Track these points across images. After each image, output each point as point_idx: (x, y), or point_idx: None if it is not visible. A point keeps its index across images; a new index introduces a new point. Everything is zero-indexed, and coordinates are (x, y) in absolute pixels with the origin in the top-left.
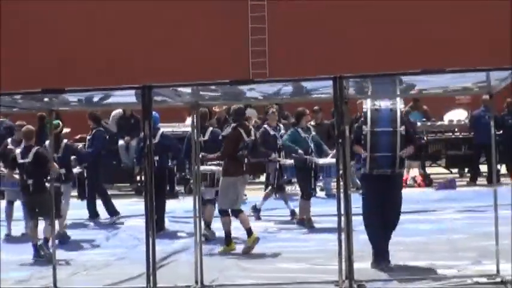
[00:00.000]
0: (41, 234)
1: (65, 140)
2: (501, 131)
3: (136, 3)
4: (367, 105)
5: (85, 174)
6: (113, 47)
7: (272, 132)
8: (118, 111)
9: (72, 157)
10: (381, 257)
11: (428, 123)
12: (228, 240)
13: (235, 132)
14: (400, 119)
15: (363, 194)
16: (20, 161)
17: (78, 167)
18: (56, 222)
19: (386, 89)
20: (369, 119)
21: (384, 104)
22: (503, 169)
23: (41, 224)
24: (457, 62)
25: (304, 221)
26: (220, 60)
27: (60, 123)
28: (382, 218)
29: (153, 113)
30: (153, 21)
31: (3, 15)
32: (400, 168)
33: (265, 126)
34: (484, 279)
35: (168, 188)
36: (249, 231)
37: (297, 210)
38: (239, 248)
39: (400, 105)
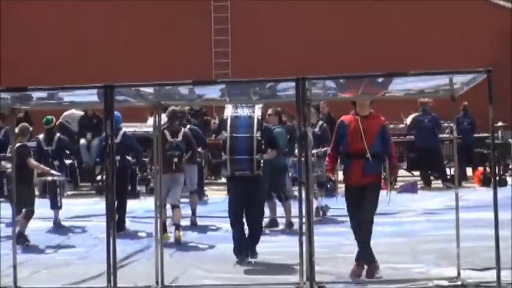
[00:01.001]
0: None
1: (58, 134)
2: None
3: (100, 3)
4: (228, 112)
5: (75, 165)
6: (77, 47)
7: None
8: (71, 111)
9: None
10: (239, 254)
11: (391, 126)
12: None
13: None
14: (257, 125)
15: (228, 194)
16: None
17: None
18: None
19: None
20: (228, 125)
21: (243, 111)
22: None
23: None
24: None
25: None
26: (182, 61)
27: (54, 118)
28: (246, 217)
29: (115, 112)
30: (116, 21)
31: None
32: (257, 170)
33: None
34: (445, 282)
35: (129, 187)
36: (177, 226)
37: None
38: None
39: (258, 112)
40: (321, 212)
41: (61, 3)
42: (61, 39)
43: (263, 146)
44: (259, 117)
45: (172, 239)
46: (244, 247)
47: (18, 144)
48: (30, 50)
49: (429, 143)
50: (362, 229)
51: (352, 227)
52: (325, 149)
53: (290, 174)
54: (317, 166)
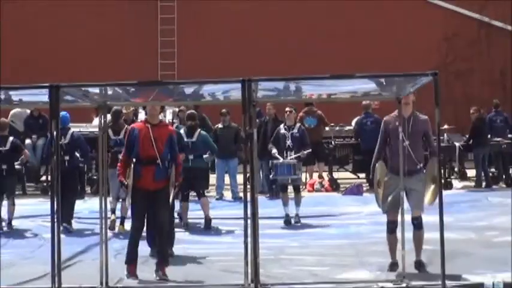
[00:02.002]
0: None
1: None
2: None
3: (49, 2)
4: (142, 116)
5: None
6: (24, 47)
7: (282, 131)
8: (16, 110)
9: None
10: (129, 261)
11: (337, 128)
12: (121, 221)
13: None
14: None
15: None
16: None
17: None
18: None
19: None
20: None
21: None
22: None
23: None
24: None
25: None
26: (128, 61)
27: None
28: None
29: (64, 113)
30: (63, 20)
31: None
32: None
33: (281, 125)
34: (390, 285)
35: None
36: (122, 220)
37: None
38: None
39: (168, 117)
40: (292, 220)
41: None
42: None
43: None
44: (170, 121)
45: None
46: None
47: None
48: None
49: (373, 145)
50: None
51: None
52: (307, 151)
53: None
54: (297, 169)
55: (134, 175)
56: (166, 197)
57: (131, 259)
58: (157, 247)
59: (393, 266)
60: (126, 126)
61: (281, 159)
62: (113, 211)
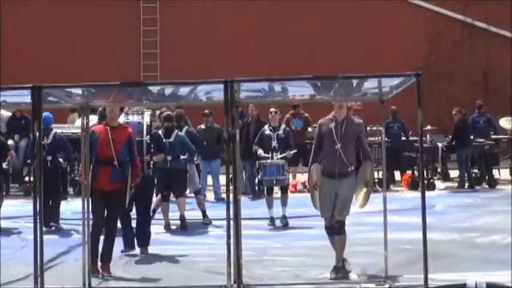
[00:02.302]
0: None
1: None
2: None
3: (28, 3)
4: (120, 119)
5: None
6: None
7: (267, 132)
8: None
9: None
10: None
11: (311, 130)
12: None
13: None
14: (146, 130)
15: None
16: None
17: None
18: None
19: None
20: None
21: (133, 118)
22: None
23: None
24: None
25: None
26: (111, 62)
27: None
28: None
29: (46, 113)
30: (43, 21)
31: None
32: (147, 169)
33: (266, 126)
34: (373, 285)
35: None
36: None
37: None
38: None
39: (146, 119)
40: (279, 221)
41: None
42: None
43: (152, 149)
44: (148, 123)
45: None
46: (133, 240)
47: None
48: None
49: None
50: None
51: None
52: (293, 152)
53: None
54: (285, 170)
55: (92, 176)
56: (121, 198)
57: (93, 256)
58: (103, 245)
59: (337, 270)
60: None
61: (269, 160)
62: None
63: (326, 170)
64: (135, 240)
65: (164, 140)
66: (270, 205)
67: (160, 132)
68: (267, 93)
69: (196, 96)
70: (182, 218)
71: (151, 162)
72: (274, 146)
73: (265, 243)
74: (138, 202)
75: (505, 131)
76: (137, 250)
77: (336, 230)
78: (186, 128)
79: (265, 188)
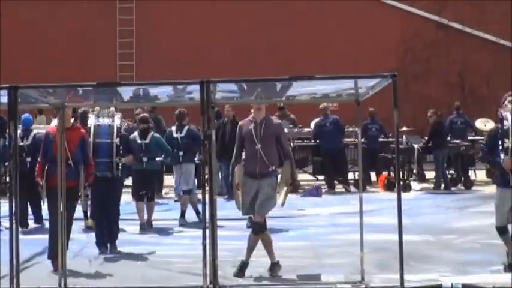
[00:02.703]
0: None
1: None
2: (364, 139)
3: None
4: (91, 121)
5: None
6: None
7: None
8: None
9: None
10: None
11: (295, 130)
12: (84, 215)
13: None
14: (116, 133)
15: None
16: None
17: None
18: None
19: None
20: (92, 132)
21: (104, 120)
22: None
23: None
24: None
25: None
26: (87, 62)
27: None
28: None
29: (26, 115)
30: (20, 20)
31: None
32: (116, 171)
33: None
34: (348, 286)
35: None
36: (85, 214)
37: None
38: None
39: (117, 121)
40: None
41: None
42: None
43: (121, 151)
44: (118, 126)
45: None
46: (106, 241)
47: None
48: None
49: (333, 147)
50: None
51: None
52: None
53: None
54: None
55: (48, 175)
56: (75, 195)
57: (55, 254)
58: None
59: (244, 266)
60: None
61: None
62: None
63: (248, 170)
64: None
65: (140, 141)
66: None
67: (136, 133)
68: (243, 94)
69: (172, 97)
70: (149, 221)
71: (120, 164)
72: None
73: (241, 243)
74: (107, 202)
75: (481, 132)
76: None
77: (253, 230)
78: (187, 127)
79: None
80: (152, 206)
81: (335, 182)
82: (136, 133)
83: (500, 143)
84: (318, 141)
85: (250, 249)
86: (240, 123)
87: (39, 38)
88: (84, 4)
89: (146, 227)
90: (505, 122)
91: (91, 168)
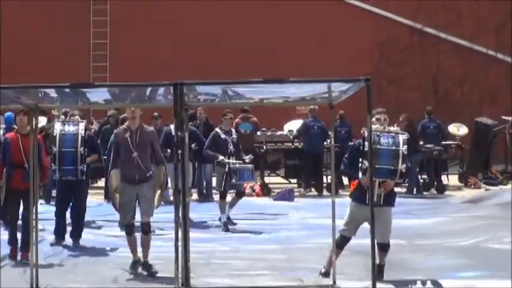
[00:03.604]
0: None
1: None
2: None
3: None
4: (57, 129)
5: None
6: None
7: (223, 136)
8: None
9: None
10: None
11: (268, 133)
12: None
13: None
14: (81, 141)
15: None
16: None
17: None
18: None
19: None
20: (57, 140)
21: (69, 129)
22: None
23: None
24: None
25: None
26: (60, 63)
27: None
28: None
29: (9, 113)
30: None
31: None
32: (81, 176)
33: (217, 129)
34: None
35: None
36: None
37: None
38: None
39: (81, 128)
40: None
41: None
42: None
43: (86, 157)
44: (82, 135)
45: None
46: (63, 233)
47: None
48: None
49: (315, 150)
50: None
51: None
52: (249, 156)
53: (233, 180)
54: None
55: (7, 177)
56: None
57: (14, 254)
58: (22, 235)
59: (135, 264)
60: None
61: (237, 164)
62: None
63: (126, 176)
64: (68, 232)
65: None
66: (224, 209)
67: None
68: (218, 97)
69: (145, 99)
70: None
71: (85, 165)
72: (230, 151)
73: (213, 246)
74: (73, 200)
75: (454, 137)
76: (69, 241)
77: (143, 231)
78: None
79: (235, 192)
80: None
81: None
82: (110, 132)
83: (360, 160)
84: (298, 140)
85: (135, 248)
86: (115, 131)
87: (13, 37)
88: (58, 4)
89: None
90: (366, 143)
91: (46, 170)
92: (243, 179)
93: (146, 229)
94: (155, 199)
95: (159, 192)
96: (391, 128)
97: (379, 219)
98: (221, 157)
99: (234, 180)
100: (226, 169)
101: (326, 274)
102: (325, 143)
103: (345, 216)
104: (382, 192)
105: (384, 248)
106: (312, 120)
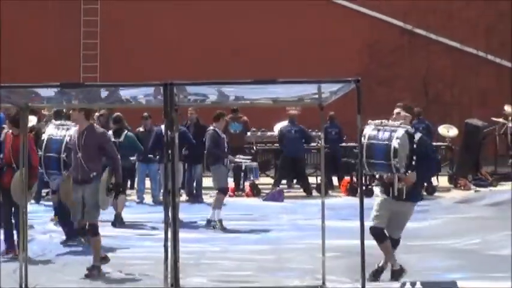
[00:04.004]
0: None
1: None
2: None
3: None
4: (47, 133)
5: None
6: None
7: (222, 135)
8: None
9: None
10: None
11: (259, 133)
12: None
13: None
14: (64, 147)
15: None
16: None
17: None
18: None
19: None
20: (44, 144)
21: (58, 133)
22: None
23: None
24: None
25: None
26: (50, 63)
27: None
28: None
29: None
30: None
31: None
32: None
33: (216, 129)
34: None
35: None
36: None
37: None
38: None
39: (68, 135)
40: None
41: None
42: None
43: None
44: (68, 139)
45: None
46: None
47: None
48: None
49: (296, 154)
50: None
51: None
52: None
53: (251, 178)
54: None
55: (0, 175)
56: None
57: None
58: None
59: (104, 259)
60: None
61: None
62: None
63: (73, 177)
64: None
65: (114, 140)
66: (221, 205)
67: (110, 132)
68: (208, 97)
69: (135, 99)
70: (118, 215)
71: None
72: (226, 150)
73: (203, 246)
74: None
75: (444, 138)
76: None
77: (89, 233)
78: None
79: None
80: (122, 200)
81: (296, 185)
82: (110, 132)
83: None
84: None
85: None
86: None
87: (5, 38)
88: (48, 4)
89: (117, 221)
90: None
91: (34, 169)
92: (256, 176)
93: (89, 231)
94: (99, 200)
95: (104, 193)
96: (394, 123)
97: (399, 213)
98: (230, 157)
99: (251, 178)
100: (243, 167)
101: (379, 271)
102: (313, 144)
103: (372, 210)
104: (403, 186)
105: (394, 244)
106: (288, 125)
